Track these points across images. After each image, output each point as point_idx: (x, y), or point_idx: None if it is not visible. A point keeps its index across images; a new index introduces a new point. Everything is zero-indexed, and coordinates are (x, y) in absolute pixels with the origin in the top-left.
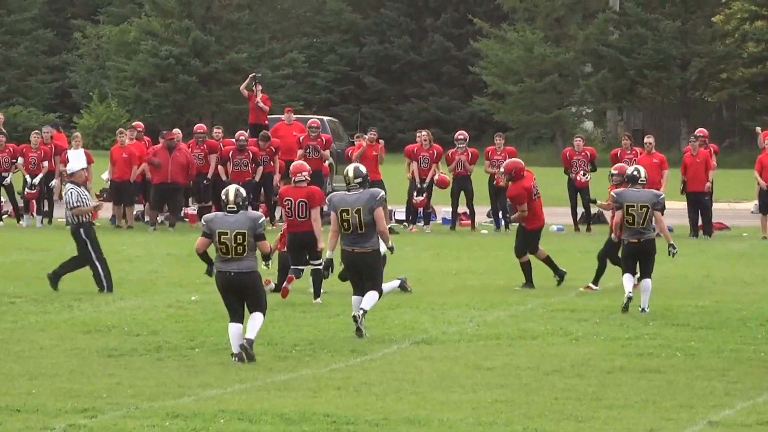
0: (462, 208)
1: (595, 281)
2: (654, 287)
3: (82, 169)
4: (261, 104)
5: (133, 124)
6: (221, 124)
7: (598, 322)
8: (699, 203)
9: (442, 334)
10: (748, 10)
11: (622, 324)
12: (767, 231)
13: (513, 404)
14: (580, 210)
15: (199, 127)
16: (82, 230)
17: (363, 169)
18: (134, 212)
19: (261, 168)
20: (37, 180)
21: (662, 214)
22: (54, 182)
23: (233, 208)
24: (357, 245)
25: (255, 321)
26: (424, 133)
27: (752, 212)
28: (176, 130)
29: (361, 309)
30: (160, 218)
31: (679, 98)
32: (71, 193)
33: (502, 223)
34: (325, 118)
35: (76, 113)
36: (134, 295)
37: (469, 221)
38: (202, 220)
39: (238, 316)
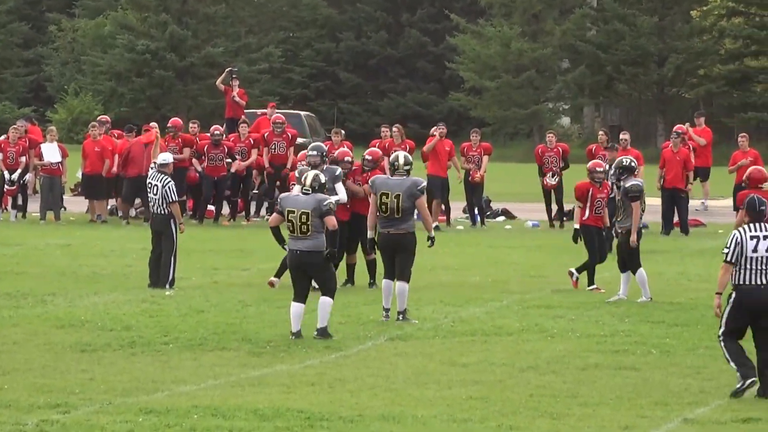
0: None
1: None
2: (630, 285)
3: (173, 162)
4: (237, 99)
5: (99, 118)
6: (197, 118)
7: (573, 319)
8: (676, 200)
9: (416, 331)
10: (725, 6)
11: (598, 321)
12: None
13: (488, 401)
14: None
15: (174, 121)
16: (173, 221)
17: (410, 157)
18: (108, 206)
19: (238, 162)
20: (16, 176)
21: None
22: (28, 176)
23: (308, 190)
24: (393, 227)
25: (322, 308)
26: (395, 128)
27: (697, 209)
28: (153, 124)
29: (399, 313)
30: (133, 212)
31: (656, 94)
32: (172, 186)
33: (478, 219)
34: (303, 113)
35: (50, 107)
36: (108, 290)
37: (445, 217)
38: (278, 198)
39: (301, 297)
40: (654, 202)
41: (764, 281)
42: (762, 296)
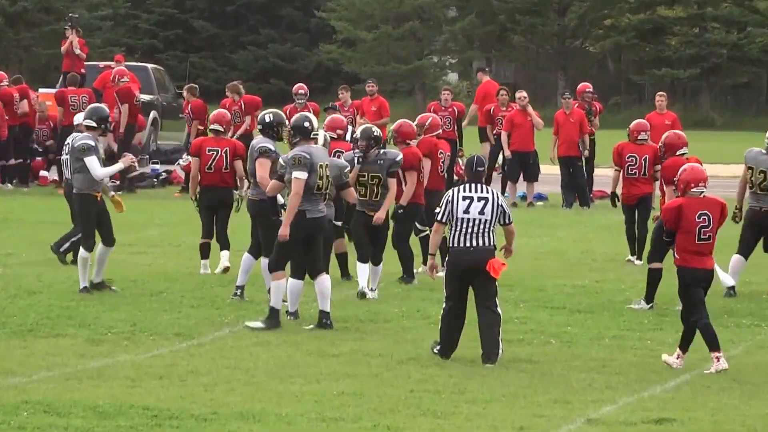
0: None
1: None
2: (525, 265)
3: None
4: (78, 50)
5: None
6: (30, 70)
7: None
8: (572, 169)
9: (280, 316)
10: None
11: None
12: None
13: (362, 397)
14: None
15: None
16: None
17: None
18: None
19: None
20: None
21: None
22: None
23: None
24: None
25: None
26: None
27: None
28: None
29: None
30: None
31: (557, 48)
32: None
33: None
34: (150, 65)
35: None
36: None
37: None
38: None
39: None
40: (550, 170)
41: (474, 243)
42: (470, 258)
